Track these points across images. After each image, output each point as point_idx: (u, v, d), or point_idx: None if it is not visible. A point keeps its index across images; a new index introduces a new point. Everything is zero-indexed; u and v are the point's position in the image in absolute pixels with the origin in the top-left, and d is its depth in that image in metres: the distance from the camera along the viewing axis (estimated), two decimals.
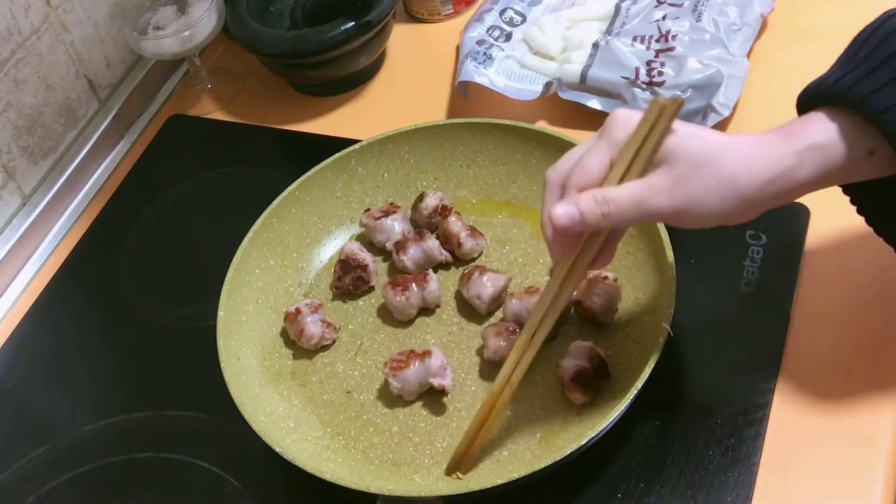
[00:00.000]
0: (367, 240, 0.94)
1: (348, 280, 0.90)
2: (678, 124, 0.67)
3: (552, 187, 0.70)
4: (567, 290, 0.72)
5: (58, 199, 1.07)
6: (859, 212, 0.74)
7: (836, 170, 0.65)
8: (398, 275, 0.89)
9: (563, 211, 0.68)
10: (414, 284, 0.86)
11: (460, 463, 0.76)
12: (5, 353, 0.96)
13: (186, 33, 1.06)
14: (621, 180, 0.67)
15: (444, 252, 0.91)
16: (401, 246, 0.90)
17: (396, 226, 0.92)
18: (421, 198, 0.93)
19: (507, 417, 0.80)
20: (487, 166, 0.95)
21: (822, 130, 0.65)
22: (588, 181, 0.68)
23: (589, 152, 0.69)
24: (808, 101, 0.68)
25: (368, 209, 0.95)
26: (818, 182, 0.66)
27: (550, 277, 0.73)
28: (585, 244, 0.71)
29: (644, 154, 0.67)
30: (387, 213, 0.92)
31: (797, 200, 0.88)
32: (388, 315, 0.89)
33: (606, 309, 0.82)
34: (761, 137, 0.67)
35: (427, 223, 0.93)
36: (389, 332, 0.88)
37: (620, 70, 0.98)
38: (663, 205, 0.66)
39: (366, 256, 0.90)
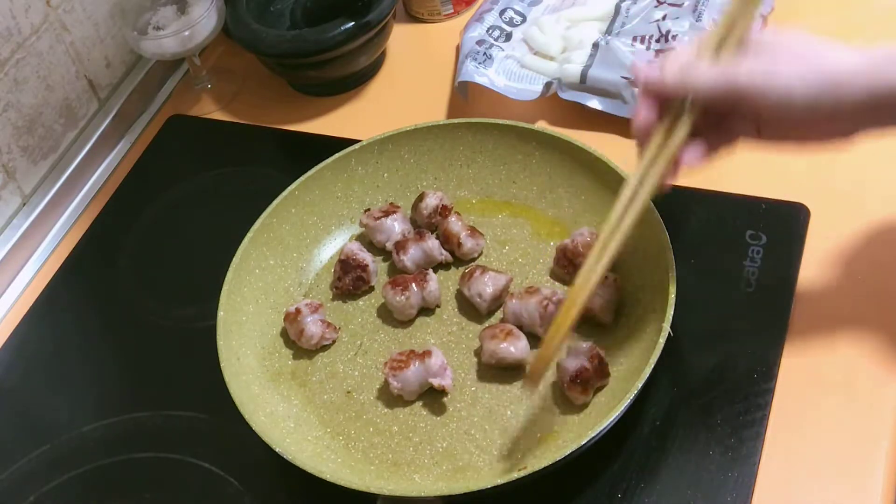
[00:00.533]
0: (367, 240, 0.94)
1: (348, 280, 0.90)
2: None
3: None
4: (651, 178, 0.71)
5: (58, 199, 1.07)
6: None
7: None
8: (398, 275, 0.89)
9: (645, 64, 0.69)
10: (414, 284, 0.86)
11: (538, 369, 0.75)
12: (5, 353, 0.96)
13: (186, 33, 1.06)
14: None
15: (444, 252, 0.91)
16: (401, 246, 0.90)
17: (396, 226, 0.92)
18: (421, 198, 0.93)
19: (506, 417, 0.80)
20: (487, 166, 0.95)
21: None
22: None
23: (679, 47, 0.71)
24: None
25: (368, 209, 0.95)
26: None
27: (633, 175, 0.72)
28: (670, 126, 0.70)
29: (732, 39, 0.68)
30: (387, 213, 0.92)
31: (797, 200, 0.89)
32: (388, 315, 0.89)
33: (606, 309, 0.82)
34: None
35: (427, 223, 0.93)
36: (389, 332, 0.88)
37: (620, 70, 0.98)
38: (745, 74, 0.66)
39: (366, 256, 0.90)
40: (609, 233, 0.72)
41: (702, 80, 0.68)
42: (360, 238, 0.94)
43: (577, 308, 0.73)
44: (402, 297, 0.86)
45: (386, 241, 0.92)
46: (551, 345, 0.74)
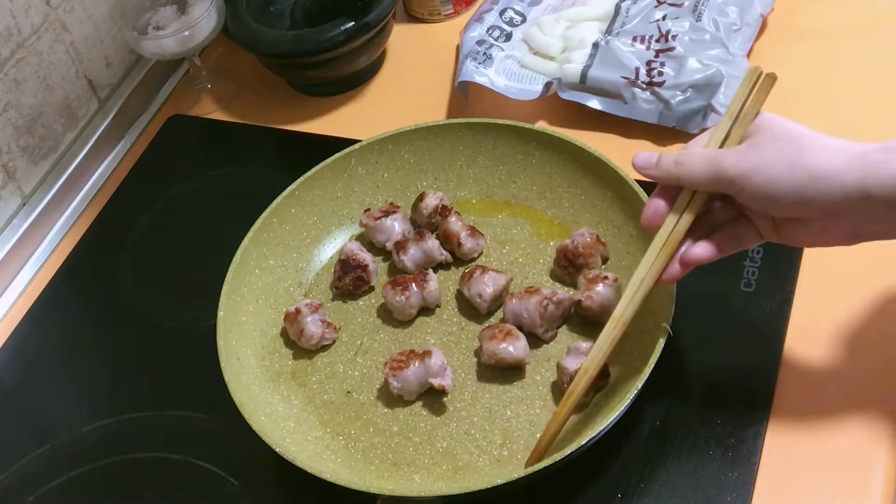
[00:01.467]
0: (367, 240, 0.94)
1: (348, 280, 0.90)
2: (768, 114, 0.69)
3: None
4: (653, 270, 0.72)
5: (58, 199, 1.07)
6: None
7: None
8: (398, 275, 0.89)
9: (642, 155, 0.71)
10: (414, 284, 0.86)
11: (539, 453, 0.75)
12: (5, 353, 0.96)
13: (186, 33, 1.06)
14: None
15: (444, 252, 0.91)
16: (401, 246, 0.90)
17: (396, 226, 0.92)
18: (421, 198, 0.93)
19: (506, 417, 0.80)
20: (487, 166, 0.95)
21: None
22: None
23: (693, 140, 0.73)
24: None
25: (368, 209, 0.95)
26: None
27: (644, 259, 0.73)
28: (679, 212, 0.71)
29: (739, 123, 0.70)
30: (387, 213, 0.92)
31: None
32: (388, 315, 0.89)
33: (606, 309, 0.82)
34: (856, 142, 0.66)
35: (427, 223, 0.93)
36: (389, 332, 0.88)
37: (620, 70, 0.98)
38: (731, 162, 0.67)
39: (366, 256, 0.90)
40: (616, 321, 0.73)
41: (692, 167, 0.69)
42: (360, 238, 0.94)
43: (574, 400, 0.74)
44: (402, 297, 0.86)
45: (386, 241, 0.92)
46: (552, 428, 0.75)
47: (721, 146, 0.70)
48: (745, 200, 0.69)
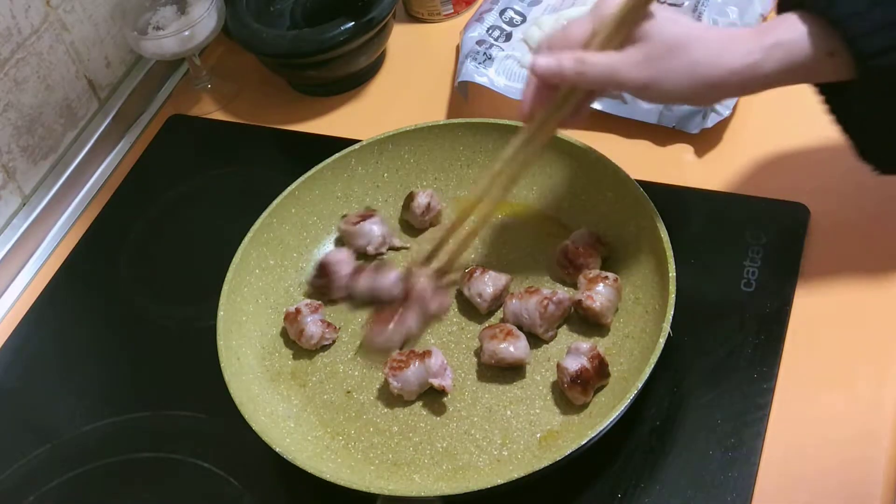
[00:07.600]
0: (346, 245, 0.93)
1: (323, 282, 0.89)
2: (656, 7, 0.73)
3: (540, 47, 0.77)
4: (539, 139, 0.79)
5: (58, 199, 1.07)
6: (832, 112, 0.76)
7: (798, 67, 0.70)
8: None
9: (543, 60, 0.75)
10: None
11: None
12: (5, 353, 0.96)
13: (186, 33, 1.06)
14: (601, 50, 0.74)
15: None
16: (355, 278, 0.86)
17: (375, 229, 0.92)
18: (411, 197, 0.93)
19: (506, 417, 0.80)
20: (487, 166, 0.95)
21: (791, 30, 0.70)
22: (569, 45, 0.75)
23: (575, 21, 0.76)
24: (785, 4, 0.73)
25: (346, 215, 0.94)
26: (781, 77, 0.71)
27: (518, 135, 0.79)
28: (560, 102, 0.77)
29: (623, 26, 0.73)
30: (364, 217, 0.92)
31: (797, 200, 0.89)
32: None
33: (606, 309, 0.82)
34: (734, 32, 0.73)
35: (420, 222, 0.93)
36: None
37: None
38: (632, 76, 0.73)
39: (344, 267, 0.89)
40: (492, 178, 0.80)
41: (595, 77, 0.74)
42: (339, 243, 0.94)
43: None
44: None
45: (366, 245, 0.92)
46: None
47: (606, 42, 0.73)
48: (633, 95, 0.77)
